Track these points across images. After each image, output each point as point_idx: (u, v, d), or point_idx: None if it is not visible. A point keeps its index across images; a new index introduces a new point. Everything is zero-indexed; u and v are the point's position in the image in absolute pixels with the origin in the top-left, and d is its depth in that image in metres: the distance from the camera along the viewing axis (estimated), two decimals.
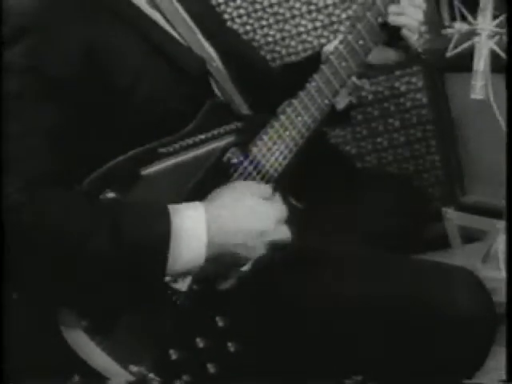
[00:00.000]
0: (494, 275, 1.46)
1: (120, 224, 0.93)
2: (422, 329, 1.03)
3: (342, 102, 1.23)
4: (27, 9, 0.99)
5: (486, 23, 1.35)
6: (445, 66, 1.56)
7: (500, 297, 1.17)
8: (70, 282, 0.93)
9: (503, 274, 1.45)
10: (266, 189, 1.05)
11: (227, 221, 0.98)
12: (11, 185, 0.90)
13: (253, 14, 1.79)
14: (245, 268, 1.02)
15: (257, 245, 0.99)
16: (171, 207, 0.96)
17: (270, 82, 1.32)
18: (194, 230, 0.95)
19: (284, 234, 1.03)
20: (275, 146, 1.09)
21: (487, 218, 1.57)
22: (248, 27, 1.79)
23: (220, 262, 0.99)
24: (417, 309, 1.04)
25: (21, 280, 0.94)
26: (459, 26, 1.37)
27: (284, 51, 1.80)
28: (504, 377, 1.07)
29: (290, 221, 1.08)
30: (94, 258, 0.92)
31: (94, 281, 0.93)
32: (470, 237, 1.65)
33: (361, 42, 1.15)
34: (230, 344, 1.03)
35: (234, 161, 1.06)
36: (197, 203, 0.99)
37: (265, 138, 1.09)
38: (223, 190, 1.02)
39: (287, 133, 1.10)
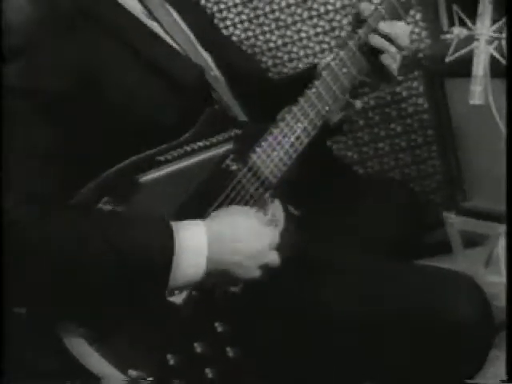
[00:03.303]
0: (496, 280, 1.46)
1: (121, 238, 0.94)
2: (422, 332, 1.03)
3: (333, 118, 1.24)
4: (21, 27, 0.99)
5: (485, 28, 1.35)
6: (444, 71, 1.57)
7: (502, 302, 1.18)
8: (69, 295, 0.94)
9: (503, 278, 1.45)
10: (262, 215, 1.08)
11: (227, 240, 1.00)
12: (11, 200, 0.90)
13: (254, 20, 1.79)
14: (236, 288, 1.05)
15: (251, 265, 1.02)
16: (174, 225, 0.97)
17: (268, 89, 1.32)
18: (194, 248, 0.97)
19: (274, 258, 1.05)
20: (274, 153, 1.10)
21: (489, 223, 1.57)
22: (250, 33, 1.80)
23: (216, 279, 1.01)
24: (417, 312, 1.04)
25: (20, 292, 0.95)
26: (458, 32, 1.37)
27: (286, 57, 1.80)
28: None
29: (289, 229, 1.10)
30: (93, 272, 0.93)
31: (93, 293, 0.94)
32: (472, 241, 1.65)
33: (364, 48, 1.15)
34: (228, 349, 1.03)
35: (233, 168, 1.07)
36: (199, 222, 1.00)
37: (264, 144, 1.09)
38: (223, 212, 1.04)
39: (286, 139, 1.10)
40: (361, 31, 1.15)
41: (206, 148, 1.05)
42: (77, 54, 0.99)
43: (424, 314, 1.04)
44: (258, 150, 1.09)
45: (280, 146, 1.10)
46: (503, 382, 1.07)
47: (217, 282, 1.02)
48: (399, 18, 1.17)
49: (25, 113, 0.96)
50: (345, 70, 1.13)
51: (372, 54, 1.16)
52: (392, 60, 1.16)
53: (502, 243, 1.50)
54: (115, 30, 1.04)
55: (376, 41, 1.15)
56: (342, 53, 1.14)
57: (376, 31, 1.15)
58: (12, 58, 0.96)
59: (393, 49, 1.16)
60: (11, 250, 0.89)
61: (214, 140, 1.06)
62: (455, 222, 1.62)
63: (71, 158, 0.98)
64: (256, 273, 1.03)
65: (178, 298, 1.00)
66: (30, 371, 0.99)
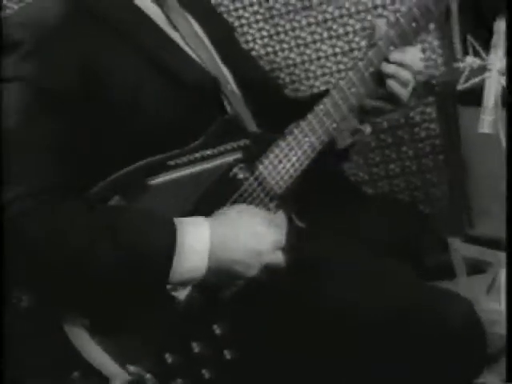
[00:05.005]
0: (495, 307, 1.47)
1: (123, 232, 0.96)
2: (419, 332, 1.05)
3: (342, 143, 1.27)
4: (25, 21, 1.02)
5: (498, 59, 1.37)
6: (457, 98, 1.58)
7: (500, 329, 1.19)
8: (71, 288, 0.97)
9: (502, 306, 1.46)
10: (268, 215, 1.10)
11: (229, 238, 1.02)
12: (13, 193, 0.92)
13: (275, 37, 1.82)
14: (239, 282, 1.06)
15: (253, 264, 1.03)
16: (177, 220, 1.00)
17: (282, 105, 1.35)
18: (197, 244, 0.99)
19: (278, 258, 1.07)
20: (281, 165, 1.13)
21: (492, 250, 1.58)
22: (269, 49, 1.83)
23: (218, 276, 1.02)
24: (416, 316, 1.06)
25: (22, 286, 0.98)
26: (471, 61, 1.39)
27: (303, 74, 1.83)
28: None
29: (292, 239, 1.12)
30: (96, 265, 0.95)
31: (95, 287, 0.96)
32: (476, 268, 1.66)
33: (371, 69, 1.18)
34: (226, 351, 1.05)
35: (240, 176, 1.10)
36: (202, 219, 1.03)
37: (271, 156, 1.12)
38: (228, 210, 1.06)
39: (293, 152, 1.13)
40: (371, 53, 1.17)
41: (216, 156, 1.08)
42: (80, 52, 1.01)
43: (422, 318, 1.05)
44: (265, 161, 1.12)
45: (286, 158, 1.13)
46: (503, 381, 1.08)
47: (219, 279, 1.03)
48: (409, 43, 1.19)
49: (25, 107, 0.97)
50: (353, 89, 1.16)
51: (381, 78, 1.18)
52: (400, 86, 1.18)
53: (502, 271, 1.51)
54: (123, 32, 1.06)
55: (389, 69, 1.17)
56: (351, 73, 1.17)
57: (387, 60, 1.17)
58: (12, 49, 0.98)
59: (407, 74, 1.18)
60: (11, 244, 0.91)
61: (222, 148, 1.09)
62: (460, 248, 1.63)
63: (77, 152, 1.00)
64: (258, 270, 1.04)
65: (180, 294, 1.02)
66: (31, 362, 1.02)
